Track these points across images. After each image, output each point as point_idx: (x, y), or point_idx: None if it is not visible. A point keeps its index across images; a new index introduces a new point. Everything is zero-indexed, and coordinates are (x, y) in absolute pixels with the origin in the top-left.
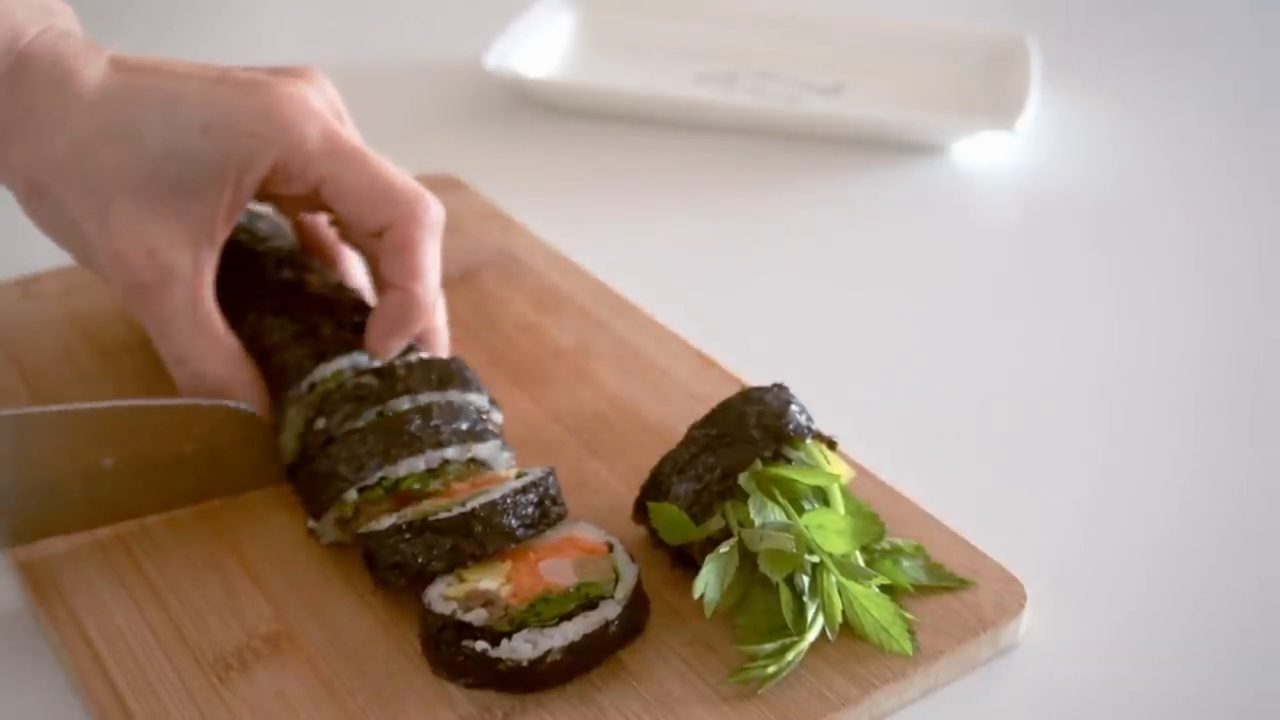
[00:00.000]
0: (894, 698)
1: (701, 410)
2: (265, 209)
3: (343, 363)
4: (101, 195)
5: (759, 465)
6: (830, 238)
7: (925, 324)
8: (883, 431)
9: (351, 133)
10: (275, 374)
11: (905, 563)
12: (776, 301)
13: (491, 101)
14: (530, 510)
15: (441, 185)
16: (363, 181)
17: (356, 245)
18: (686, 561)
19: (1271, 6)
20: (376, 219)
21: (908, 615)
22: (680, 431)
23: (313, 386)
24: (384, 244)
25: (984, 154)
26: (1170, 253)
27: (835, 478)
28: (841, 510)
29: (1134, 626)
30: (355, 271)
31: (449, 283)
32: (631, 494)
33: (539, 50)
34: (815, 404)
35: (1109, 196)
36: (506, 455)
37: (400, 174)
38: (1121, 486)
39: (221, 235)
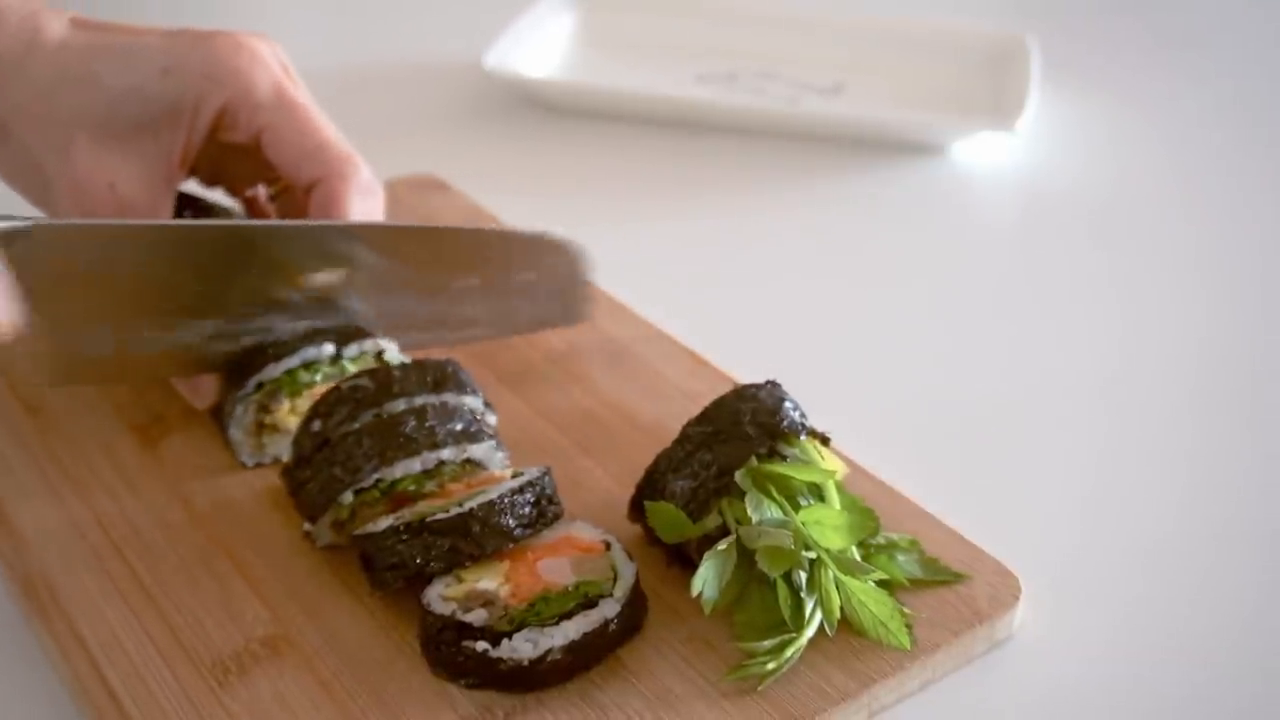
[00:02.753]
0: (892, 691)
1: (694, 408)
2: (229, 203)
3: (292, 361)
4: (63, 133)
5: (754, 462)
6: (830, 238)
7: (925, 323)
8: (879, 429)
9: (302, 92)
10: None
11: (900, 557)
12: (776, 301)
13: (491, 101)
14: (527, 510)
15: (425, 186)
16: (301, 134)
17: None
18: (683, 559)
19: (1271, 6)
20: (308, 172)
21: (905, 610)
22: (673, 429)
23: (260, 385)
24: (313, 199)
25: (984, 154)
26: (1169, 252)
27: (831, 474)
28: (837, 506)
29: (1128, 620)
30: None
31: None
32: (625, 492)
33: (539, 50)
34: (810, 401)
35: (1109, 196)
36: (501, 455)
37: (338, 135)
38: (1116, 483)
39: (178, 177)
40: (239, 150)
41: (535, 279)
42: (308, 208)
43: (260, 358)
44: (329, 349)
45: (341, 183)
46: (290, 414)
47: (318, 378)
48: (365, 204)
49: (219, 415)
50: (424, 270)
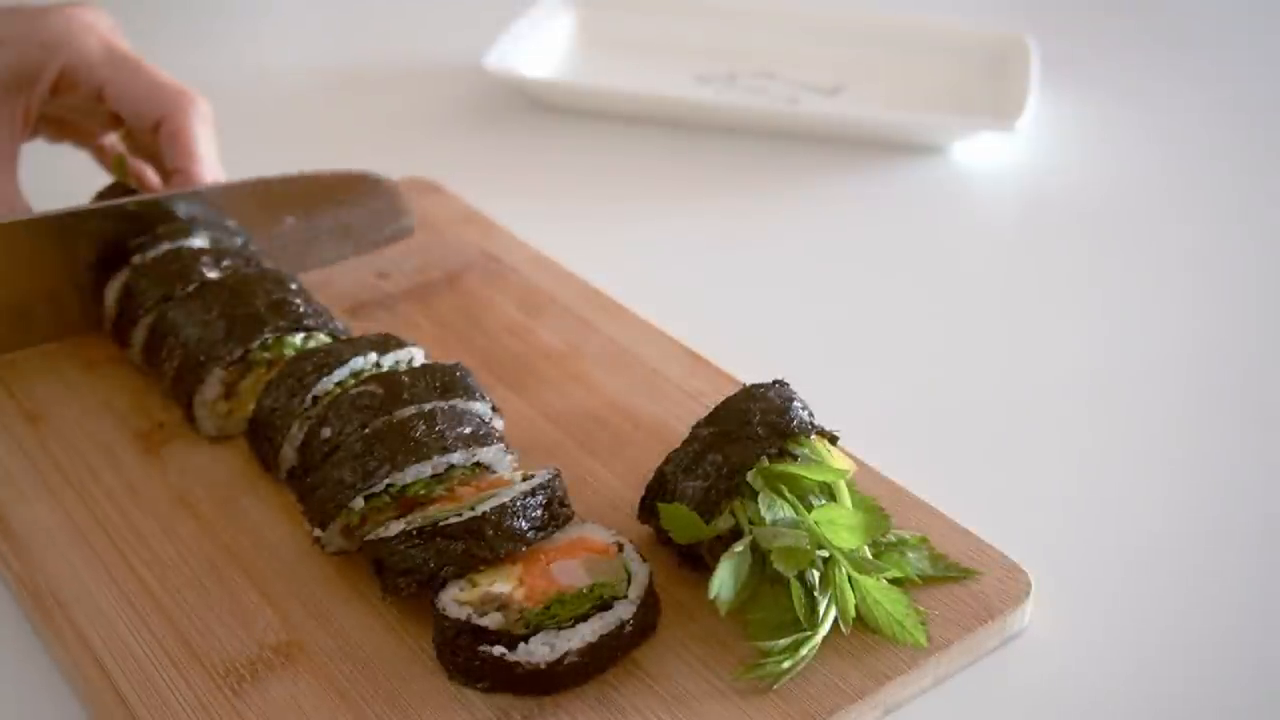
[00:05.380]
0: (906, 688)
1: (696, 407)
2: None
3: (343, 372)
4: None
5: (765, 462)
6: (830, 238)
7: (925, 322)
8: (880, 428)
9: (128, 48)
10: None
11: (911, 555)
12: (776, 300)
13: (491, 101)
14: (539, 512)
15: (418, 189)
16: (138, 82)
17: (144, 157)
18: (693, 559)
19: (1270, 7)
20: (152, 112)
21: (919, 608)
22: (675, 428)
23: (316, 400)
24: (161, 136)
25: (984, 154)
26: (1169, 251)
27: (843, 473)
28: (849, 505)
29: (1139, 614)
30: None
31: (434, 286)
32: (630, 492)
33: (539, 50)
34: (811, 400)
35: (1108, 196)
36: (509, 458)
37: (170, 76)
38: (1124, 479)
39: (20, 137)
40: (79, 108)
41: (348, 212)
42: (157, 144)
43: (303, 372)
44: (373, 357)
45: (183, 115)
46: None
47: None
48: (205, 130)
49: (260, 433)
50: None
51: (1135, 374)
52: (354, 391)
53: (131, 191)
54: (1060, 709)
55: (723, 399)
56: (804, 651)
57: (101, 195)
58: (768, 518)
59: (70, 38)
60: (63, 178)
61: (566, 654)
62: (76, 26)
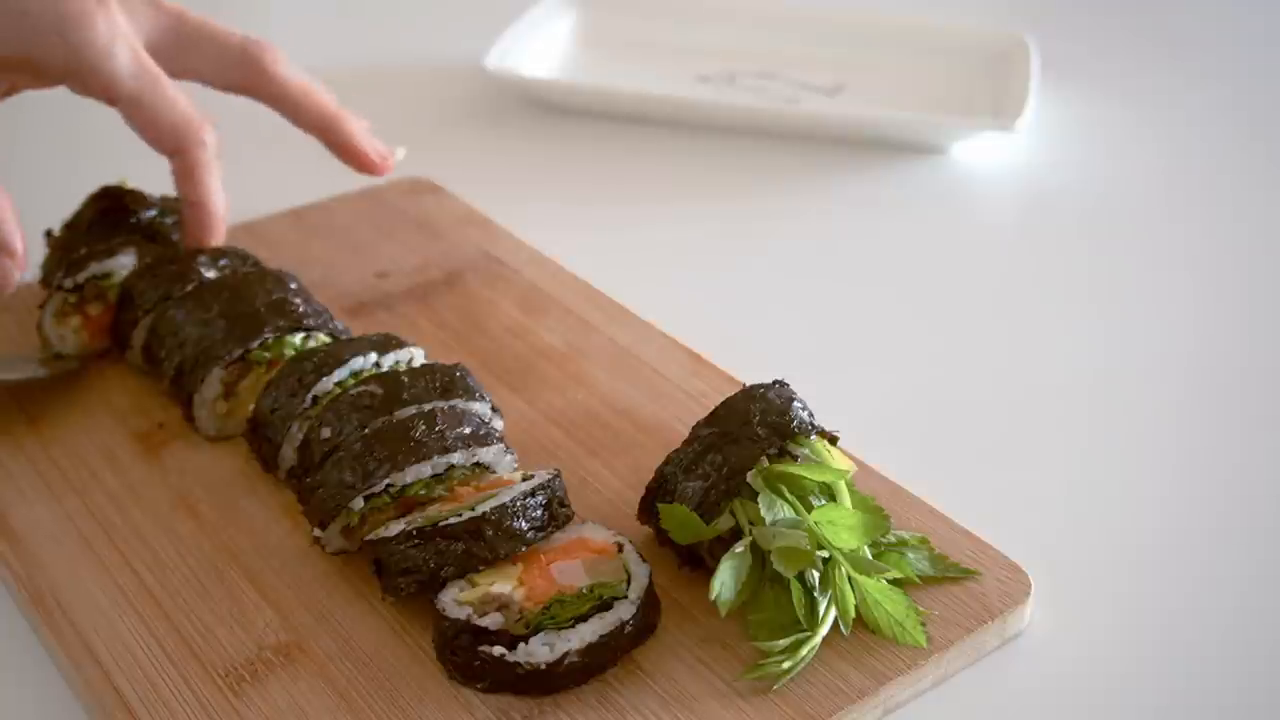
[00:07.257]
0: (907, 689)
1: (696, 408)
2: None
3: (343, 373)
4: None
5: (765, 462)
6: (830, 237)
7: (925, 322)
8: (880, 428)
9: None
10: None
11: (911, 555)
12: (777, 300)
13: (491, 101)
14: (539, 513)
15: (418, 189)
16: (160, 113)
17: None
18: (694, 560)
19: (1270, 7)
20: (167, 147)
21: (919, 608)
22: (676, 429)
23: (315, 399)
24: (176, 171)
25: (984, 154)
26: (1168, 251)
27: (844, 473)
28: (849, 505)
29: (1139, 614)
30: None
31: (434, 286)
32: (631, 492)
33: (539, 50)
34: (811, 401)
35: (1108, 196)
36: (509, 459)
37: (186, 103)
38: (1124, 479)
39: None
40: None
41: None
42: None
43: (303, 371)
44: (373, 357)
45: (199, 150)
46: None
47: None
48: (216, 165)
49: (259, 432)
50: None
51: (1135, 374)
52: (354, 391)
53: (124, 195)
54: (1060, 709)
55: (723, 399)
56: (804, 652)
57: (93, 199)
58: (768, 518)
59: (106, 46)
60: (57, 178)
61: (566, 654)
62: (119, 33)
